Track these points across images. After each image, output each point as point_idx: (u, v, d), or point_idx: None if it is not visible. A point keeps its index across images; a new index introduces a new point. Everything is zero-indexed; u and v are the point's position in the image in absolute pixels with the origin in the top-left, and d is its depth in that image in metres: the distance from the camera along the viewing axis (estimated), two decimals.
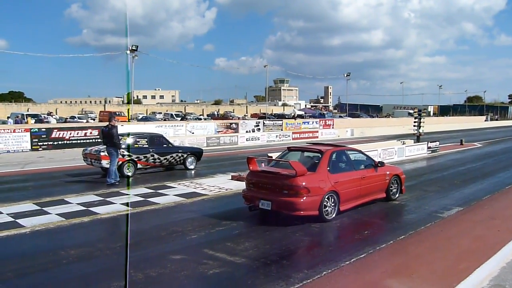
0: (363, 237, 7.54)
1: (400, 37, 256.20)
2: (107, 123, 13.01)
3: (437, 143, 22.85)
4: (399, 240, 7.33)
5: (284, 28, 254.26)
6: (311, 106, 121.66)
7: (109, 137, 12.50)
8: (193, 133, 28.37)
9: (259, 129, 32.80)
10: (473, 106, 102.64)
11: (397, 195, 10.41)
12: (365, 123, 48.41)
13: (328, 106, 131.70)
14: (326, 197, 8.17)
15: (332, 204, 8.32)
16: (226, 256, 6.45)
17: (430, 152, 21.76)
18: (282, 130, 34.51)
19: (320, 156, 8.74)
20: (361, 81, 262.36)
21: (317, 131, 36.49)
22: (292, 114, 62.14)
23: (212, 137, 28.20)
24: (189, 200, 10.53)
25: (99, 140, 22.57)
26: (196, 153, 16.60)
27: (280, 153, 10.43)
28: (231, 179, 13.51)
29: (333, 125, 40.43)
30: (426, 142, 22.06)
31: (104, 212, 9.08)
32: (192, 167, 16.09)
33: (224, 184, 12.68)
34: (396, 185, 10.43)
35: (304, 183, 7.85)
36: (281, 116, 60.07)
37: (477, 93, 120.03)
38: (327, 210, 8.23)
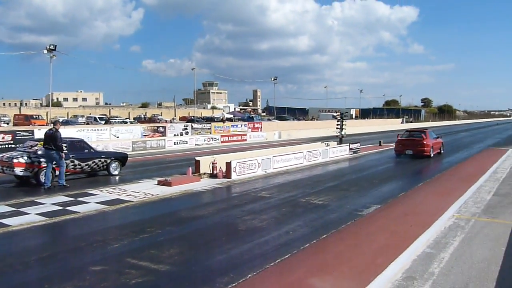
0: (287, 238, 7.69)
1: (325, 43, 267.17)
2: (52, 126, 13.34)
3: (358, 144, 24.05)
4: (321, 240, 7.58)
5: (213, 31, 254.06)
6: (240, 109, 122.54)
7: (53, 140, 12.66)
8: (118, 137, 27.28)
9: (187, 132, 32.38)
10: (391, 109, 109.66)
11: None
12: (292, 126, 49.78)
13: (257, 109, 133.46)
14: None
15: None
16: (149, 264, 6.25)
17: (352, 153, 22.85)
18: (210, 133, 34.36)
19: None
20: (289, 85, 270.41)
21: (246, 134, 36.83)
22: (221, 117, 62.16)
23: (138, 141, 27.35)
24: (112, 208, 10.09)
25: (13, 145, 20.97)
26: (121, 158, 16.00)
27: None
28: (158, 184, 13.16)
29: (261, 128, 41.02)
30: (348, 144, 23.14)
31: (17, 224, 8.41)
32: (116, 172, 15.48)
33: (150, 190, 12.32)
34: None
35: None
36: (210, 119, 59.84)
37: (394, 97, 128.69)
38: None
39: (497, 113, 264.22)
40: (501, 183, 13.65)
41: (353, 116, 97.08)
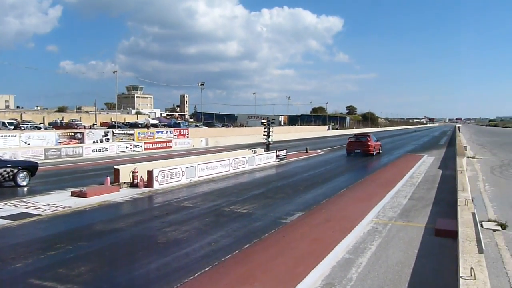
0: (209, 249, 7.58)
1: (254, 49, 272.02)
2: None
3: (285, 151, 24.59)
4: (244, 250, 7.57)
5: (138, 33, 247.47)
6: (167, 115, 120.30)
7: None
8: (29, 144, 25.43)
9: (108, 139, 31.04)
10: (318, 116, 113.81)
11: None
12: (220, 133, 49.73)
13: (184, 115, 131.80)
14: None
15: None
16: (56, 284, 5.83)
17: (279, 160, 23.28)
18: (133, 140, 33.25)
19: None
20: (218, 90, 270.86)
21: (171, 141, 36.12)
22: (145, 123, 60.52)
23: (52, 149, 25.69)
24: (17, 223, 9.32)
25: None
26: (30, 167, 14.91)
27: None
28: (71, 196, 12.41)
29: (188, 134, 40.49)
30: (275, 151, 23.57)
31: None
32: (24, 183, 14.39)
33: (62, 202, 11.57)
34: None
35: None
36: (133, 125, 57.94)
37: (321, 104, 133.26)
38: None
39: (415, 120, 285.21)
40: (417, 188, 14.64)
41: (282, 123, 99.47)
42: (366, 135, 29.78)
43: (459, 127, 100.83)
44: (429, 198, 12.70)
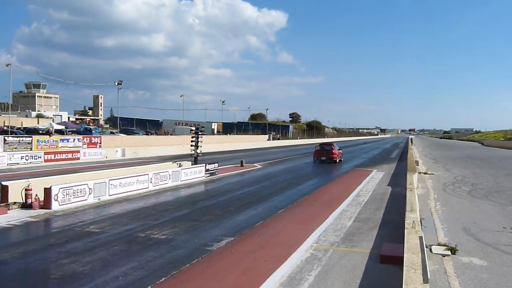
0: (116, 285, 7.28)
1: (184, 44, 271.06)
2: None
3: (216, 164, 24.50)
4: (158, 284, 7.35)
5: (42, 18, 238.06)
6: (76, 119, 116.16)
7: None
8: None
9: None
10: (257, 124, 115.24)
11: None
12: (141, 142, 48.76)
13: (98, 119, 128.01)
14: None
15: None
16: None
17: (209, 175, 23.17)
18: (31, 149, 31.67)
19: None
20: (140, 91, 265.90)
21: (79, 151, 34.76)
22: (48, 129, 57.86)
23: None
24: None
25: None
26: None
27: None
28: None
29: (100, 143, 39.30)
30: (204, 164, 23.42)
31: None
32: None
33: None
34: None
35: None
36: (32, 131, 55.16)
37: (261, 110, 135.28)
38: None
39: (365, 131, 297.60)
40: (363, 207, 15.14)
41: (215, 131, 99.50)
42: (330, 144, 39.64)
43: (412, 139, 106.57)
44: (376, 219, 13.16)
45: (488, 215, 14.30)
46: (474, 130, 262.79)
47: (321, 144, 39.90)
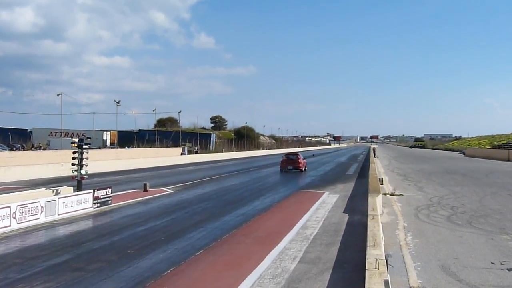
0: None
1: (62, 22, 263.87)
2: None
3: (109, 190, 24.03)
4: None
5: None
6: None
7: None
8: None
9: None
10: (166, 133, 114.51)
11: None
12: None
13: None
14: None
15: None
16: None
17: (98, 205, 22.72)
18: None
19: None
20: None
21: None
22: None
23: None
24: None
25: None
26: None
27: None
28: None
29: None
30: (92, 190, 22.95)
31: None
32: None
33: None
34: None
35: None
36: None
37: (172, 114, 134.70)
38: None
39: (314, 139, 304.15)
40: (311, 243, 15.39)
41: (107, 143, 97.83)
42: (296, 153, 56.47)
43: (374, 149, 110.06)
44: (329, 258, 13.41)
45: (472, 248, 14.97)
46: (453, 136, 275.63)
47: (287, 154, 55.33)
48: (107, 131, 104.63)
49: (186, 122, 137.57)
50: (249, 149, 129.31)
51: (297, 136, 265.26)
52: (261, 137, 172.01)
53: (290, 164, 50.26)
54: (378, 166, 50.57)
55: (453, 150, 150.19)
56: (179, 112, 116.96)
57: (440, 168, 56.95)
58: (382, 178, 34.83)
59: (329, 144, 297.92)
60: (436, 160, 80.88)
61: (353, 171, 53.39)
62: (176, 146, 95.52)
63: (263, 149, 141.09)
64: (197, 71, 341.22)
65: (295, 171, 49.33)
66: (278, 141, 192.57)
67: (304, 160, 52.67)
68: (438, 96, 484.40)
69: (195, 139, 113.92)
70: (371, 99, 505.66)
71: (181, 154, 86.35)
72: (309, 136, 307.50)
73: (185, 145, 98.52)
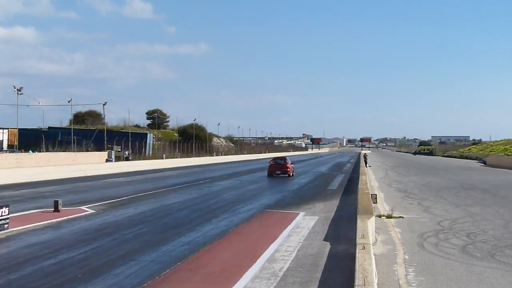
0: None
1: None
2: None
3: (5, 210, 23.65)
4: None
5: None
6: None
7: None
8: None
9: None
10: (86, 132, 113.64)
11: None
12: None
13: None
14: None
15: None
16: None
17: None
18: None
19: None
20: None
21: None
22: None
23: None
24: None
25: None
26: None
27: None
28: None
29: None
30: None
31: None
32: None
33: None
34: None
35: None
36: None
37: (94, 106, 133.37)
38: None
39: (285, 142, 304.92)
40: (281, 281, 15.25)
41: (4, 145, 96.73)
42: (283, 158, 72.45)
43: (366, 155, 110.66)
44: None
45: None
46: (470, 139, 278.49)
47: (275, 159, 70.91)
48: (3, 128, 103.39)
49: (114, 117, 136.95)
50: (199, 155, 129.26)
51: (263, 138, 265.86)
52: (215, 139, 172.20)
53: (278, 169, 63.36)
54: (371, 179, 50.53)
55: (470, 158, 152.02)
56: (104, 104, 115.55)
57: (452, 182, 57.38)
58: (376, 194, 34.83)
59: (305, 148, 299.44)
60: (447, 171, 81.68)
61: (338, 185, 53.50)
62: (100, 150, 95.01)
63: (217, 155, 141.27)
64: (129, 49, 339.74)
65: (283, 175, 62.00)
66: (238, 144, 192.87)
67: (292, 165, 66.30)
68: (451, 87, 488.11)
69: (126, 141, 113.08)
70: (362, 89, 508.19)
71: (107, 160, 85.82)
72: (280, 138, 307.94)
73: (112, 149, 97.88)
